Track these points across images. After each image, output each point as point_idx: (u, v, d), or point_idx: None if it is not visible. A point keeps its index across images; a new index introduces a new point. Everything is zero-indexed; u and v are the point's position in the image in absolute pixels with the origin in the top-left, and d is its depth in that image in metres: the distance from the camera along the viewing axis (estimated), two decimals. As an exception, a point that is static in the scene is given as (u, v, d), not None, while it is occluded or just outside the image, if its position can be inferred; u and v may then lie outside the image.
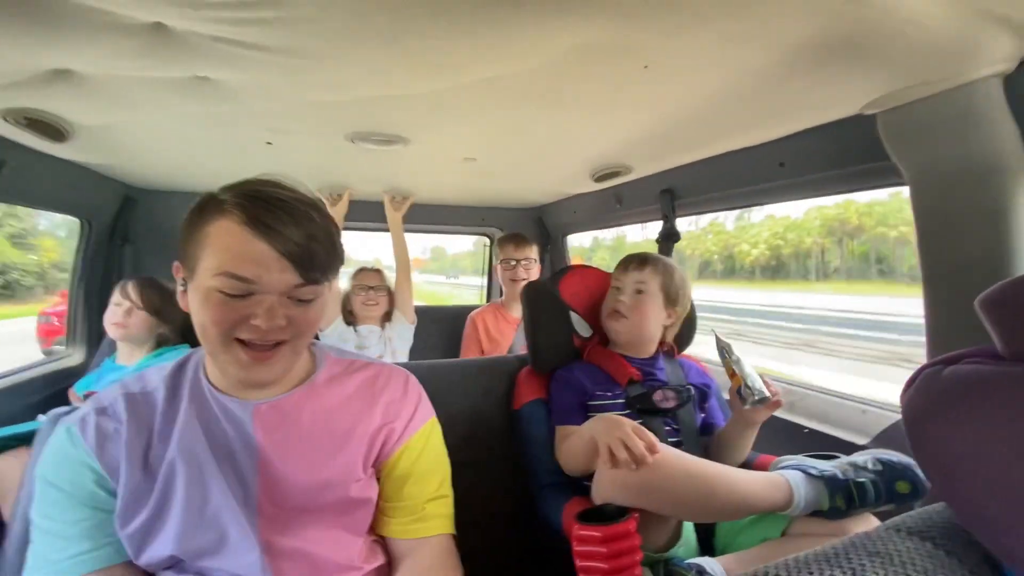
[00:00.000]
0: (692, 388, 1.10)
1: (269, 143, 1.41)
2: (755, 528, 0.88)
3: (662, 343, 1.17)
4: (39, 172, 1.46)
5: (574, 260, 2.69)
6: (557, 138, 1.36)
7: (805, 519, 0.82)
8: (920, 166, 0.91)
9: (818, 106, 1.03)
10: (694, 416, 1.11)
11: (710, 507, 0.78)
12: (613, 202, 1.97)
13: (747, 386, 0.98)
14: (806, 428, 1.31)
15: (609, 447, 0.81)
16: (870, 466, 0.79)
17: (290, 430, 0.71)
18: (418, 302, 2.19)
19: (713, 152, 1.40)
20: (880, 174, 1.04)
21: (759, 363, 1.06)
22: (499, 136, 1.34)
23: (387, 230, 2.18)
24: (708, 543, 0.98)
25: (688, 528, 0.91)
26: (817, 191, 1.26)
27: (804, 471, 0.81)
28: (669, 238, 1.69)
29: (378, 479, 0.78)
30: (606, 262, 1.82)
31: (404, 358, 2.02)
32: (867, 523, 0.80)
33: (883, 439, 1.12)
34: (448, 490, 0.82)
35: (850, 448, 1.07)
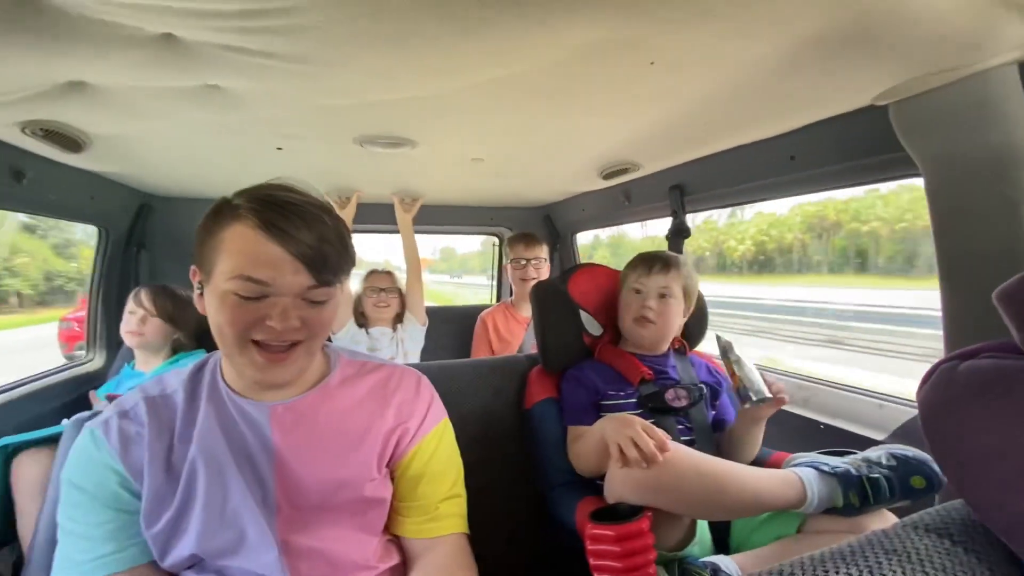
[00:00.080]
0: (704, 386, 1.10)
1: (279, 148, 1.42)
2: (770, 526, 0.88)
3: (673, 340, 1.17)
4: (57, 182, 1.50)
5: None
6: (564, 136, 1.35)
7: (820, 516, 0.81)
8: (935, 157, 0.89)
9: (829, 98, 1.01)
10: (706, 414, 1.10)
11: (722, 505, 0.78)
12: (622, 199, 1.96)
13: (745, 386, 0.97)
14: (821, 424, 1.30)
15: (620, 446, 0.81)
16: (884, 462, 0.78)
17: (306, 431, 0.72)
18: (426, 301, 2.20)
19: (722, 147, 1.39)
20: (893, 166, 1.03)
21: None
22: (506, 136, 1.34)
23: (396, 232, 2.19)
24: (723, 541, 0.97)
25: (702, 526, 0.90)
26: (829, 184, 1.24)
27: (817, 468, 0.80)
28: (679, 234, 1.67)
29: (392, 479, 0.79)
30: (606, 260, 1.81)
31: (416, 359, 2.03)
32: (884, 519, 0.79)
33: (900, 434, 1.11)
34: (461, 490, 0.83)
35: (867, 444, 1.05)
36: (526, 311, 2.10)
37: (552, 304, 1.23)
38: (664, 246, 1.69)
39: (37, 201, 1.49)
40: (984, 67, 0.78)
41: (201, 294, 0.70)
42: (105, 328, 1.98)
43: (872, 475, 0.76)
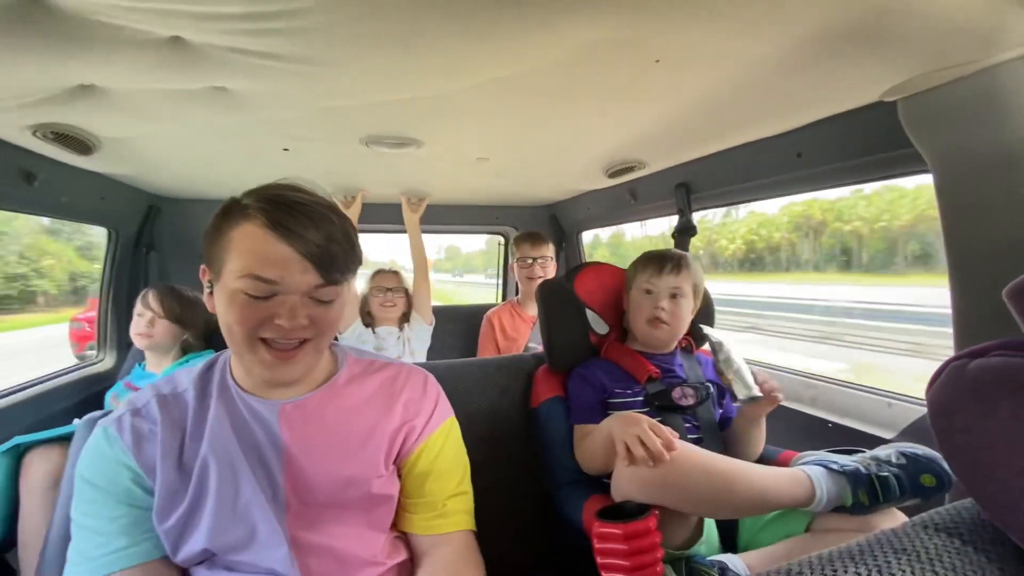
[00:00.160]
0: (710, 384, 1.10)
1: (286, 149, 1.43)
2: (778, 524, 0.87)
3: (680, 338, 1.17)
4: (68, 184, 1.52)
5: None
6: (569, 135, 1.35)
7: (829, 515, 0.80)
8: (944, 153, 0.88)
9: (836, 94, 1.00)
10: (713, 412, 1.10)
11: (729, 503, 0.78)
12: (628, 198, 1.95)
13: (733, 385, 0.97)
14: (830, 423, 1.29)
15: (626, 444, 0.81)
16: (893, 460, 0.78)
17: (314, 429, 0.73)
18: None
19: (728, 144, 1.38)
20: (902, 162, 1.02)
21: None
22: (511, 135, 1.34)
23: (403, 231, 2.20)
24: (731, 540, 0.97)
25: (710, 525, 0.90)
26: (836, 181, 1.23)
27: (825, 466, 0.80)
28: (685, 232, 1.67)
29: (399, 476, 0.79)
30: (606, 259, 1.82)
31: (422, 358, 2.03)
32: (893, 518, 0.78)
33: (910, 433, 1.10)
34: (468, 487, 0.83)
35: (876, 443, 1.05)
36: (532, 310, 2.10)
37: (558, 303, 1.23)
38: (661, 244, 1.68)
39: (48, 203, 1.51)
40: (994, 62, 0.77)
41: (211, 293, 0.71)
42: (115, 329, 2.01)
43: (881, 473, 0.76)
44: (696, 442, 0.97)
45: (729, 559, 0.78)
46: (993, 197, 0.82)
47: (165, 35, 0.73)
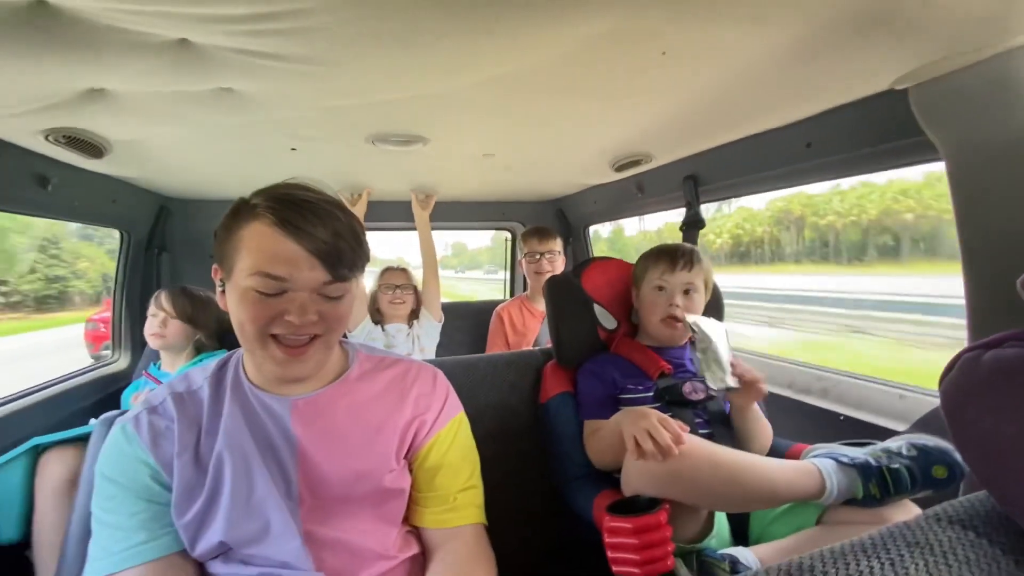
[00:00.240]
0: None
1: (293, 149, 1.44)
2: (789, 517, 0.87)
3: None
4: (80, 187, 1.54)
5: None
6: (575, 129, 1.35)
7: (840, 507, 0.80)
8: (957, 141, 0.87)
9: (846, 83, 0.99)
10: (723, 406, 1.09)
11: (739, 496, 0.78)
12: (635, 191, 1.94)
13: (706, 373, 0.97)
14: (841, 416, 1.28)
15: (635, 438, 0.81)
16: (904, 452, 0.77)
17: (326, 424, 0.74)
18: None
19: (737, 136, 1.37)
20: (913, 151, 1.00)
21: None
22: (517, 130, 1.34)
23: (410, 229, 2.21)
24: (742, 533, 0.97)
25: (721, 519, 0.90)
26: (846, 171, 1.21)
27: (836, 459, 0.79)
28: (693, 225, 1.66)
29: (410, 471, 0.80)
30: (605, 254, 1.84)
31: (432, 355, 2.04)
32: (906, 511, 0.77)
33: (922, 425, 1.09)
34: (478, 481, 0.84)
35: (887, 435, 1.03)
36: (541, 305, 2.10)
37: (565, 298, 1.22)
38: (656, 240, 1.67)
39: (62, 206, 1.54)
40: (1008, 47, 0.75)
41: (223, 291, 0.72)
42: (129, 329, 2.04)
43: (892, 465, 0.75)
44: (707, 436, 0.96)
45: (740, 552, 0.78)
46: (1007, 185, 0.81)
47: (172, 38, 0.74)
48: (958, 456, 0.73)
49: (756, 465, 0.78)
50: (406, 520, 0.80)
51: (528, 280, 2.23)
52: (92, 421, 1.57)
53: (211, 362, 0.80)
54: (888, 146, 1.05)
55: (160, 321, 1.55)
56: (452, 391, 0.86)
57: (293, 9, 0.66)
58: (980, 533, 0.40)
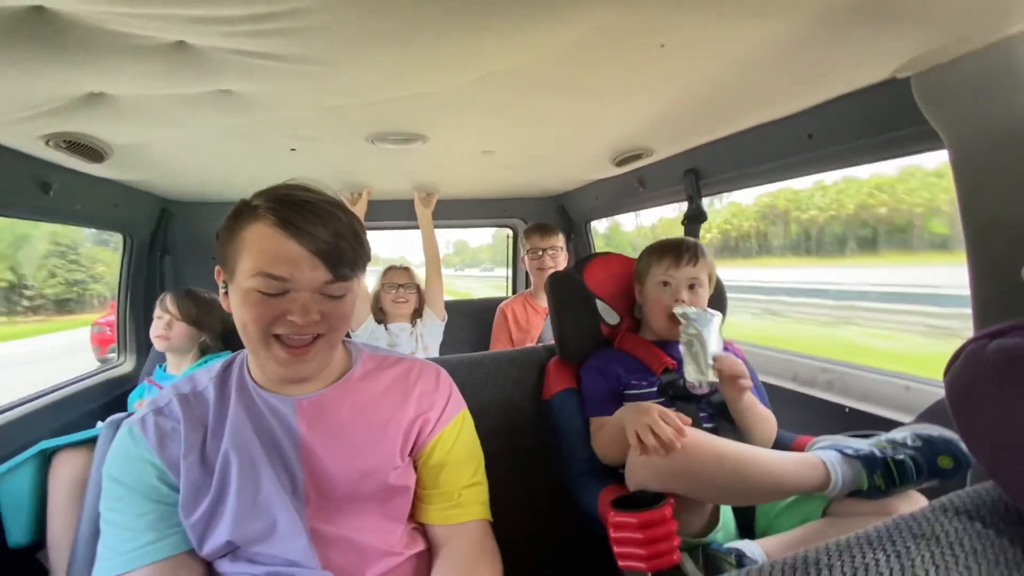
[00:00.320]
0: None
1: (293, 149, 1.44)
2: (795, 510, 0.87)
3: None
4: (82, 192, 1.54)
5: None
6: (575, 125, 1.34)
7: (846, 499, 0.80)
8: (960, 129, 0.86)
9: (847, 73, 0.98)
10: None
11: (743, 489, 0.78)
12: (636, 185, 1.94)
13: (686, 365, 0.97)
14: (847, 408, 1.27)
15: (637, 433, 0.81)
16: (909, 442, 0.77)
17: (331, 423, 0.74)
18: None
19: (737, 128, 1.36)
20: (916, 140, 0.99)
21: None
22: (516, 127, 1.33)
23: (410, 227, 2.21)
24: (748, 526, 0.97)
25: (726, 512, 0.90)
26: (848, 161, 1.20)
27: (840, 451, 0.79)
28: (695, 219, 1.65)
29: (415, 468, 0.81)
30: (601, 249, 1.85)
31: (435, 354, 2.05)
32: (912, 501, 0.77)
33: (928, 415, 1.08)
34: (483, 478, 0.85)
35: (894, 427, 1.03)
36: (545, 301, 2.09)
37: (567, 294, 1.22)
38: (651, 235, 1.66)
39: (64, 211, 1.54)
40: (1011, 33, 0.75)
41: (226, 293, 0.73)
42: (134, 332, 2.05)
43: (897, 456, 0.75)
44: (711, 430, 0.96)
45: (746, 545, 0.78)
46: (1011, 172, 0.80)
47: (169, 40, 0.74)
48: (964, 446, 0.73)
49: (760, 458, 0.78)
50: (411, 517, 0.81)
51: (531, 277, 2.23)
52: (99, 424, 1.59)
53: (216, 363, 0.80)
54: (891, 135, 1.04)
55: (165, 323, 1.57)
56: (455, 389, 0.87)
57: (290, 9, 0.66)
58: (987, 524, 0.39)
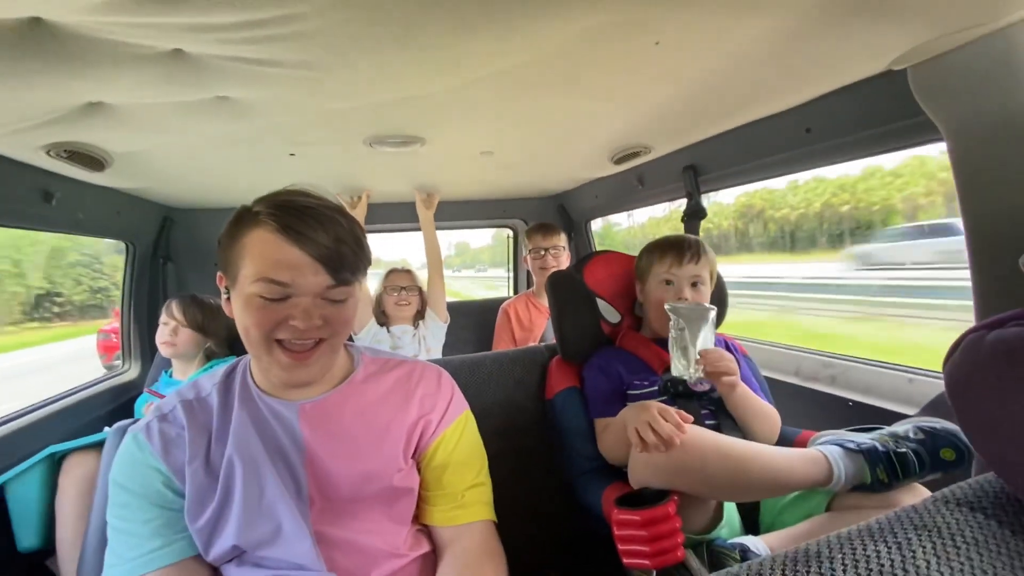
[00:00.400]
0: None
1: (292, 154, 1.45)
2: (799, 505, 0.87)
3: None
4: (84, 200, 1.55)
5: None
6: (572, 124, 1.34)
7: (850, 493, 0.80)
8: (957, 120, 0.86)
9: (843, 66, 0.98)
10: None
11: (745, 485, 0.77)
12: (635, 183, 1.94)
13: (672, 360, 0.97)
14: (851, 401, 1.27)
15: (638, 431, 0.81)
16: (911, 435, 0.76)
17: (334, 426, 0.75)
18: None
19: (735, 124, 1.36)
20: (914, 131, 0.99)
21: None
22: (514, 127, 1.33)
23: (410, 230, 2.21)
24: (753, 522, 0.96)
25: (730, 509, 0.90)
26: (847, 155, 1.20)
27: (842, 445, 0.79)
28: (695, 216, 1.65)
29: (418, 470, 0.81)
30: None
31: (438, 356, 2.05)
32: (916, 494, 0.77)
33: (931, 408, 1.08)
34: (486, 478, 0.85)
35: (898, 420, 1.03)
36: (547, 300, 2.10)
37: (568, 293, 1.22)
38: (642, 234, 1.66)
39: (66, 220, 1.55)
40: (1005, 24, 0.74)
41: (228, 299, 0.73)
42: (138, 339, 2.06)
43: (899, 450, 0.75)
44: (713, 427, 0.96)
45: (750, 541, 0.78)
46: (1010, 163, 0.80)
47: (166, 48, 0.74)
48: (966, 438, 0.73)
49: (762, 454, 0.78)
50: (416, 519, 0.81)
51: (534, 276, 2.24)
52: (106, 429, 1.60)
53: (219, 369, 0.81)
54: (889, 128, 1.04)
55: (171, 330, 1.58)
56: (457, 390, 0.87)
57: (284, 15, 0.66)
58: (988, 515, 0.40)
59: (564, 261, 2.14)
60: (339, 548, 0.72)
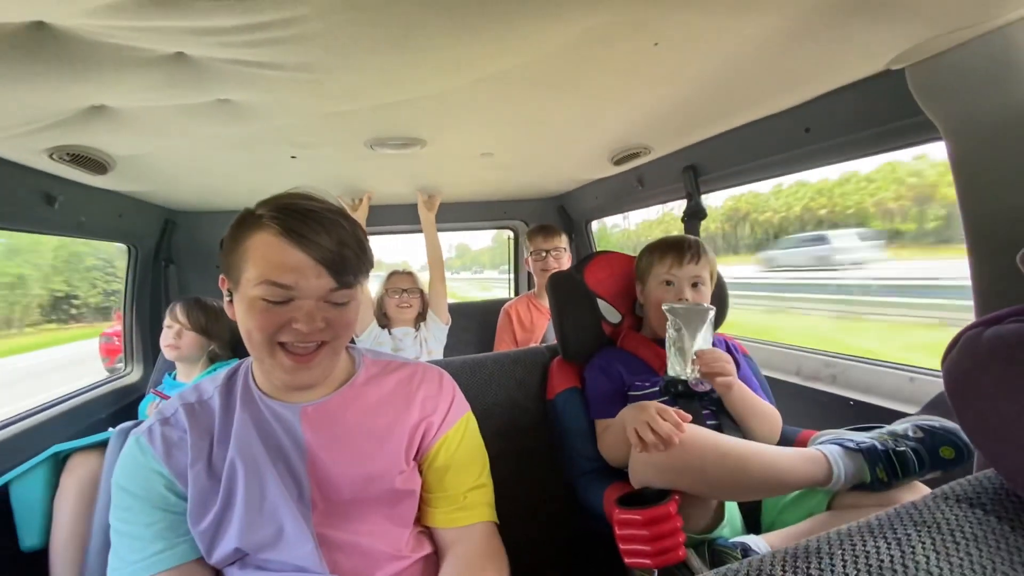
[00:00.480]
0: None
1: (293, 157, 1.45)
2: (800, 504, 0.87)
3: None
4: (87, 204, 1.56)
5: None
6: (572, 125, 1.35)
7: (850, 492, 0.80)
8: (956, 119, 0.86)
9: (842, 66, 0.98)
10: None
11: (745, 484, 0.77)
12: (635, 184, 1.94)
13: (667, 360, 0.97)
14: (851, 401, 1.27)
15: (637, 431, 0.81)
16: (911, 434, 0.76)
17: (335, 429, 0.75)
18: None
19: (735, 124, 1.36)
20: (913, 131, 0.99)
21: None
22: (514, 128, 1.34)
23: (411, 232, 2.21)
24: (754, 521, 0.96)
25: (732, 508, 0.90)
26: (846, 155, 1.20)
27: (841, 444, 0.79)
28: (695, 216, 1.65)
29: (420, 472, 0.81)
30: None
31: (439, 357, 2.05)
32: (916, 492, 0.77)
33: (932, 407, 1.08)
34: (488, 479, 0.85)
35: (898, 419, 1.03)
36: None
37: (568, 294, 1.23)
38: (636, 236, 1.66)
39: (69, 223, 1.56)
40: (1004, 22, 0.75)
41: (230, 301, 0.73)
42: (140, 342, 2.06)
43: (899, 448, 0.75)
44: (714, 427, 0.96)
45: (751, 540, 0.78)
46: (1009, 161, 0.80)
47: (168, 52, 0.75)
48: (965, 435, 0.73)
49: (761, 453, 0.78)
50: (418, 520, 0.81)
51: (535, 278, 2.24)
52: (110, 430, 1.60)
53: (221, 372, 0.81)
54: (888, 127, 1.04)
55: (175, 333, 1.58)
56: (458, 391, 0.87)
57: (285, 18, 0.67)
58: (988, 510, 0.40)
59: (565, 262, 2.14)
60: (341, 550, 0.72)
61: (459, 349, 2.28)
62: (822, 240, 7.49)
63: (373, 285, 2.09)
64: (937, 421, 0.77)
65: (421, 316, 2.04)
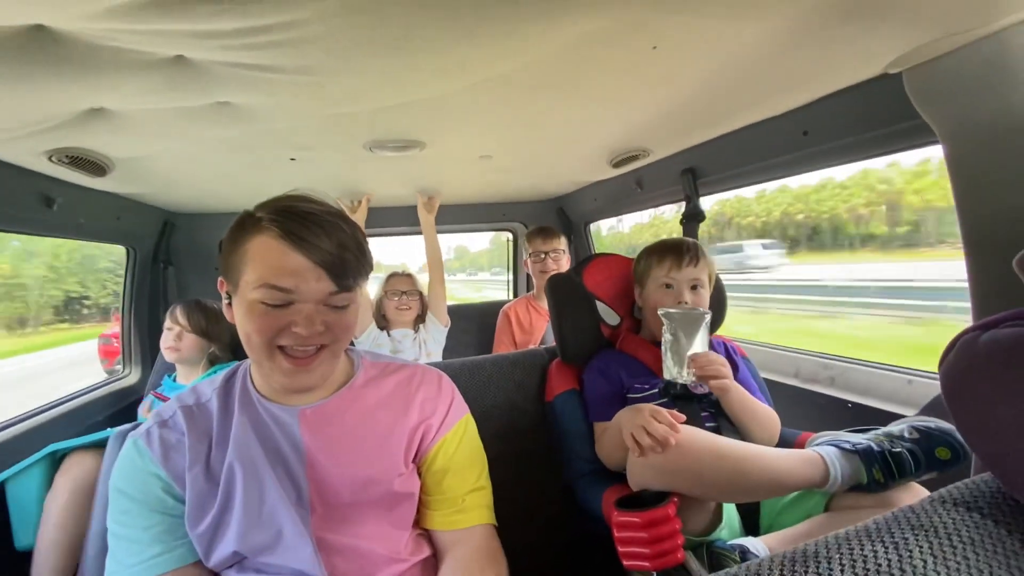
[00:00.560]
0: None
1: (293, 159, 1.45)
2: (798, 506, 0.87)
3: None
4: (85, 206, 1.56)
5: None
6: (571, 128, 1.35)
7: (847, 494, 0.80)
8: (954, 123, 0.86)
9: (840, 69, 0.99)
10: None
11: (743, 486, 0.77)
12: (634, 186, 1.94)
13: (663, 363, 0.98)
14: (849, 403, 1.27)
15: (633, 435, 0.81)
16: (907, 435, 0.77)
17: (334, 431, 0.75)
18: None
19: (733, 127, 1.37)
20: (910, 134, 1.00)
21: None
22: (513, 131, 1.34)
23: (411, 233, 2.21)
24: (753, 524, 0.96)
25: (730, 510, 0.90)
26: (844, 158, 1.21)
27: (838, 446, 0.79)
28: (693, 218, 1.65)
29: (419, 474, 0.81)
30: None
31: (438, 359, 2.05)
32: (914, 494, 0.77)
33: (930, 409, 1.08)
34: (486, 482, 0.85)
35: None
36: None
37: (567, 296, 1.23)
38: (629, 239, 1.66)
39: (68, 225, 1.56)
40: (1000, 27, 0.75)
41: (229, 304, 0.73)
42: (139, 343, 2.06)
43: (895, 450, 0.75)
44: (713, 429, 0.96)
45: (750, 542, 0.78)
46: (1006, 164, 0.80)
47: (168, 55, 0.75)
48: (961, 437, 0.73)
49: (759, 455, 0.78)
50: (416, 523, 0.81)
51: (534, 280, 2.24)
52: (109, 429, 1.60)
53: (219, 374, 0.81)
54: (885, 131, 1.05)
55: (175, 335, 1.58)
56: (457, 393, 0.87)
57: (286, 21, 0.67)
58: (985, 514, 0.40)
59: (564, 264, 2.14)
60: (340, 554, 0.72)
61: (458, 351, 2.28)
62: (738, 249, 8.73)
63: (372, 287, 2.10)
64: (933, 422, 0.77)
65: (420, 318, 2.04)
